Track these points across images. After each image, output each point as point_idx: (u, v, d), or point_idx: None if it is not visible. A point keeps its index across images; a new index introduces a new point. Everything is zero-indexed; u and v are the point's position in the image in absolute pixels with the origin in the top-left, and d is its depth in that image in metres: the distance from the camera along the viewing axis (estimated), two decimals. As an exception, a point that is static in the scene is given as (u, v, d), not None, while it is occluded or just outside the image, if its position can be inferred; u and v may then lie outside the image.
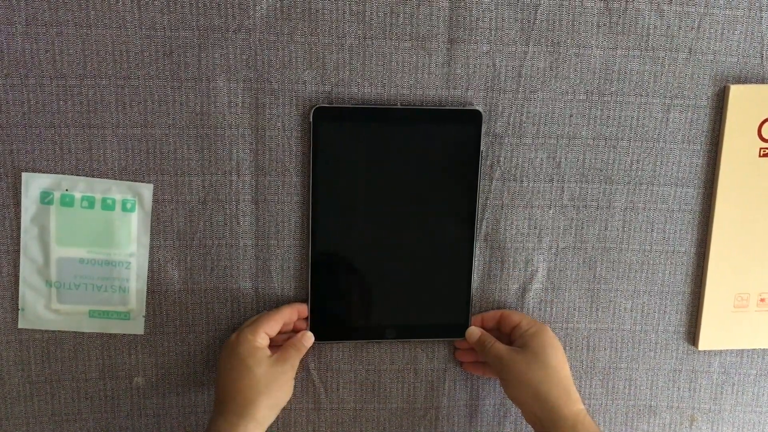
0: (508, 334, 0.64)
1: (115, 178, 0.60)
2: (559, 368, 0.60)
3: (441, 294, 0.64)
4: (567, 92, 0.62)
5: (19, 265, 0.60)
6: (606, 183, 0.64)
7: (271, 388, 0.58)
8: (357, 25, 0.59)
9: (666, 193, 0.65)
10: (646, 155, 0.64)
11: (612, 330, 0.67)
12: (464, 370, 0.67)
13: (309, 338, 0.62)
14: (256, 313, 0.63)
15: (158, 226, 0.61)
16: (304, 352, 0.62)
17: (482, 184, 0.63)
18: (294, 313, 0.63)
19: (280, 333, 0.62)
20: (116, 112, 0.59)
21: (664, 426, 0.69)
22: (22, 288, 0.60)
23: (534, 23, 0.60)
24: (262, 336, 0.60)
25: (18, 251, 0.60)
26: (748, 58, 0.63)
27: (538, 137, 0.63)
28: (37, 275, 0.60)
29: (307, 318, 0.63)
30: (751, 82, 0.63)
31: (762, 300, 0.67)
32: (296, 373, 0.62)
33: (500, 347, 0.62)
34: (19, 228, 0.58)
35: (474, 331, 0.64)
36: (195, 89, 0.59)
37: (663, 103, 0.63)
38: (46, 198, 0.57)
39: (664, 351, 0.68)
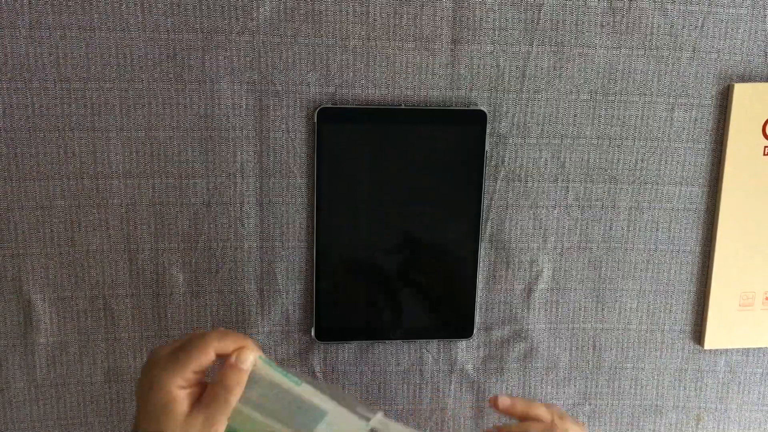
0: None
1: (119, 181, 0.60)
2: None
3: (446, 294, 0.64)
4: (571, 92, 0.62)
5: (22, 270, 0.60)
6: (611, 182, 0.64)
7: None
8: (360, 26, 0.59)
9: (671, 192, 0.65)
10: (650, 154, 0.64)
11: (618, 329, 0.67)
12: None
13: (246, 356, 0.46)
14: (260, 317, 0.63)
15: (162, 228, 0.61)
16: (240, 384, 0.46)
17: (487, 184, 0.63)
18: (241, 340, 0.48)
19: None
20: (120, 115, 0.59)
21: (670, 425, 0.69)
22: None
23: (538, 23, 0.60)
24: (186, 377, 0.45)
25: (21, 255, 0.60)
26: (752, 56, 0.63)
27: (542, 137, 0.63)
28: None
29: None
30: (755, 81, 0.63)
31: (767, 298, 0.67)
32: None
33: None
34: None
35: (504, 400, 0.56)
36: (199, 91, 0.59)
37: (667, 102, 0.63)
38: None
39: (669, 350, 0.68)
